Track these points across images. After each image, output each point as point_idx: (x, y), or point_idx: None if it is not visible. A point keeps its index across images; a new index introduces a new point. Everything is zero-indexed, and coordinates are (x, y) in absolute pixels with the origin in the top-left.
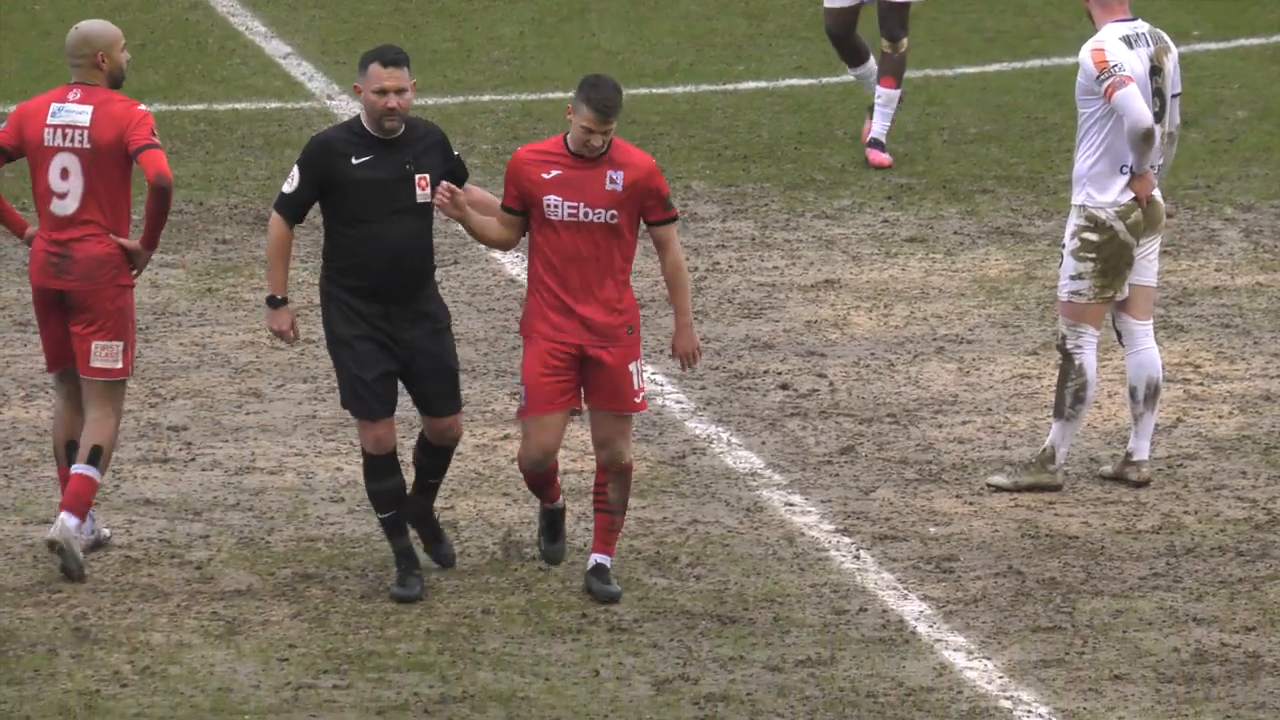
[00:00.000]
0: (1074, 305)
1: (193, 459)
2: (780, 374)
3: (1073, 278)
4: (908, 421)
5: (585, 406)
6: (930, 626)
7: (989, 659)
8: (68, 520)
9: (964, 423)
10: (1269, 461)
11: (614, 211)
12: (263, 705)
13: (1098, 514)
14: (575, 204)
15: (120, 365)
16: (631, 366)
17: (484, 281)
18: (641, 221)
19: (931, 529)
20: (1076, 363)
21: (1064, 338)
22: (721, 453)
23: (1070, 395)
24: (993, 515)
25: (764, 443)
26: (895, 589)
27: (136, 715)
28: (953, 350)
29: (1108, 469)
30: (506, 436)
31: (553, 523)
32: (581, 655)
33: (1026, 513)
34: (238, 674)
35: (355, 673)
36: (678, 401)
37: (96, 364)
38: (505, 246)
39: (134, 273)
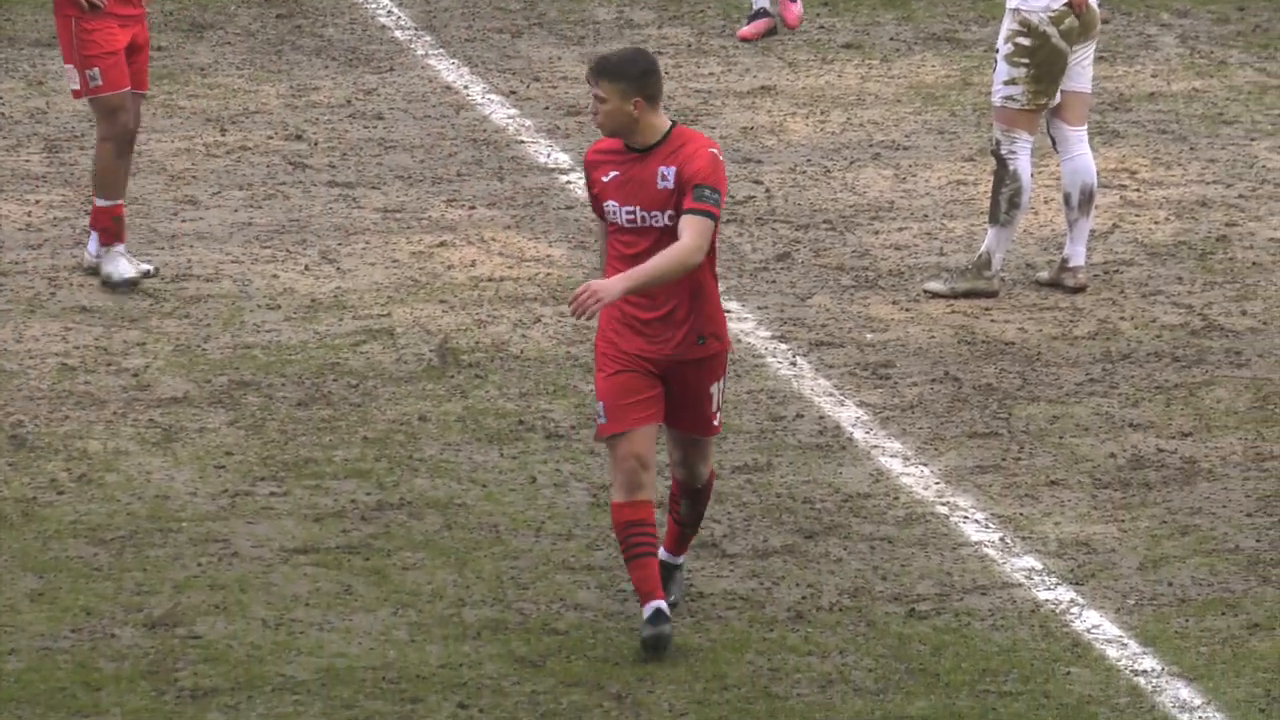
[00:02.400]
0: (1008, 111)
1: None
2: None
3: (1006, 83)
4: (844, 228)
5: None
6: (867, 433)
7: (925, 465)
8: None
9: (900, 229)
10: (1205, 267)
11: (670, 212)
12: (199, 513)
13: (1034, 320)
14: (632, 208)
15: (77, 87)
16: (713, 388)
17: (420, 89)
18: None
19: (868, 335)
20: (1011, 168)
21: (998, 143)
22: None
23: (1005, 201)
24: (929, 321)
25: None
26: (832, 395)
27: (73, 523)
28: (889, 156)
29: (1044, 275)
30: (443, 243)
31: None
32: (519, 462)
33: (963, 319)
34: (175, 481)
35: (292, 480)
36: None
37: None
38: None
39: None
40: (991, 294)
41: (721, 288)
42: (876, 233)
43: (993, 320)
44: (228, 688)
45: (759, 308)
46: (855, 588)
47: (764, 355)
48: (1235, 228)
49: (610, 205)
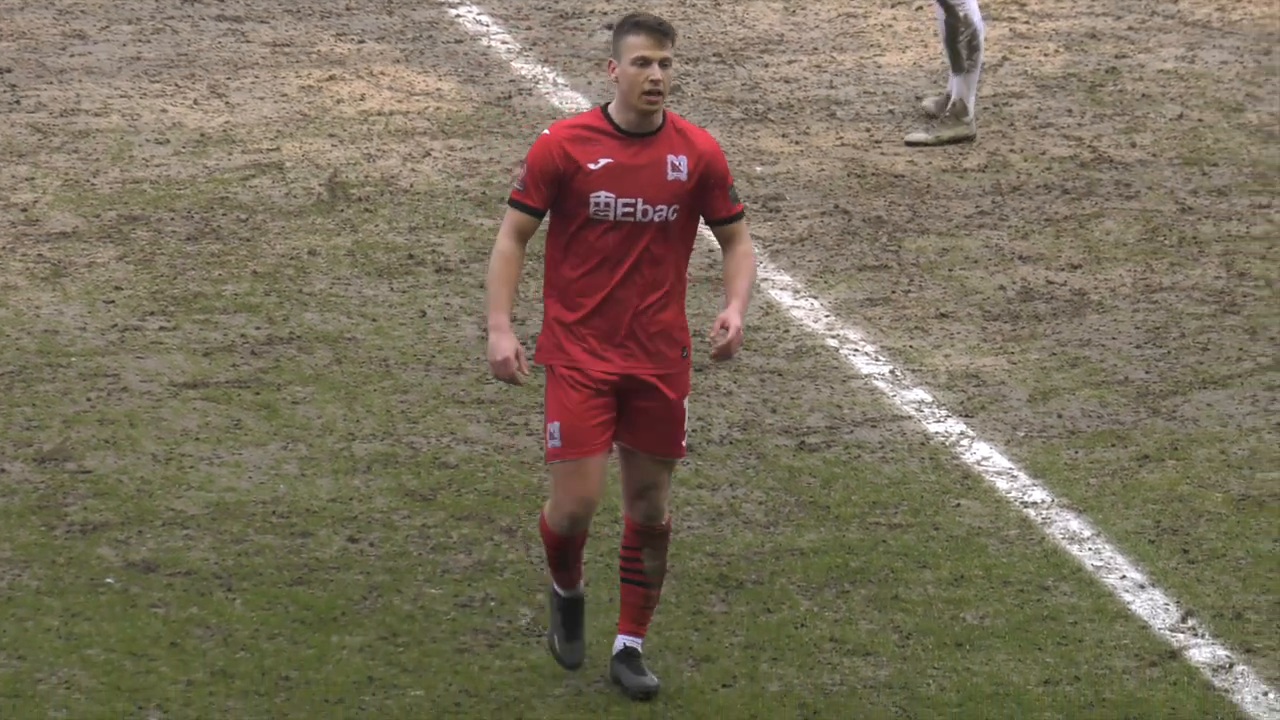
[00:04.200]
0: None
1: (17, 101)
2: (605, 14)
3: None
4: (734, 61)
5: (615, 447)
6: (758, 265)
7: (815, 298)
8: None
9: (790, 62)
10: (1094, 99)
11: (676, 207)
12: (89, 347)
13: (923, 153)
14: (631, 201)
15: None
16: (685, 403)
17: None
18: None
19: (758, 168)
20: (961, 14)
21: None
22: (548, 93)
23: (964, 48)
24: (819, 155)
25: (590, 83)
26: None
27: None
28: None
29: (929, 103)
30: (333, 78)
31: (573, 614)
32: (408, 296)
33: (853, 152)
34: (64, 316)
35: (182, 315)
36: (503, 42)
37: None
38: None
39: None
40: (971, 138)
41: None
42: (766, 65)
43: (882, 153)
44: (118, 522)
45: None
46: (745, 421)
47: None
48: (1125, 60)
49: (601, 197)
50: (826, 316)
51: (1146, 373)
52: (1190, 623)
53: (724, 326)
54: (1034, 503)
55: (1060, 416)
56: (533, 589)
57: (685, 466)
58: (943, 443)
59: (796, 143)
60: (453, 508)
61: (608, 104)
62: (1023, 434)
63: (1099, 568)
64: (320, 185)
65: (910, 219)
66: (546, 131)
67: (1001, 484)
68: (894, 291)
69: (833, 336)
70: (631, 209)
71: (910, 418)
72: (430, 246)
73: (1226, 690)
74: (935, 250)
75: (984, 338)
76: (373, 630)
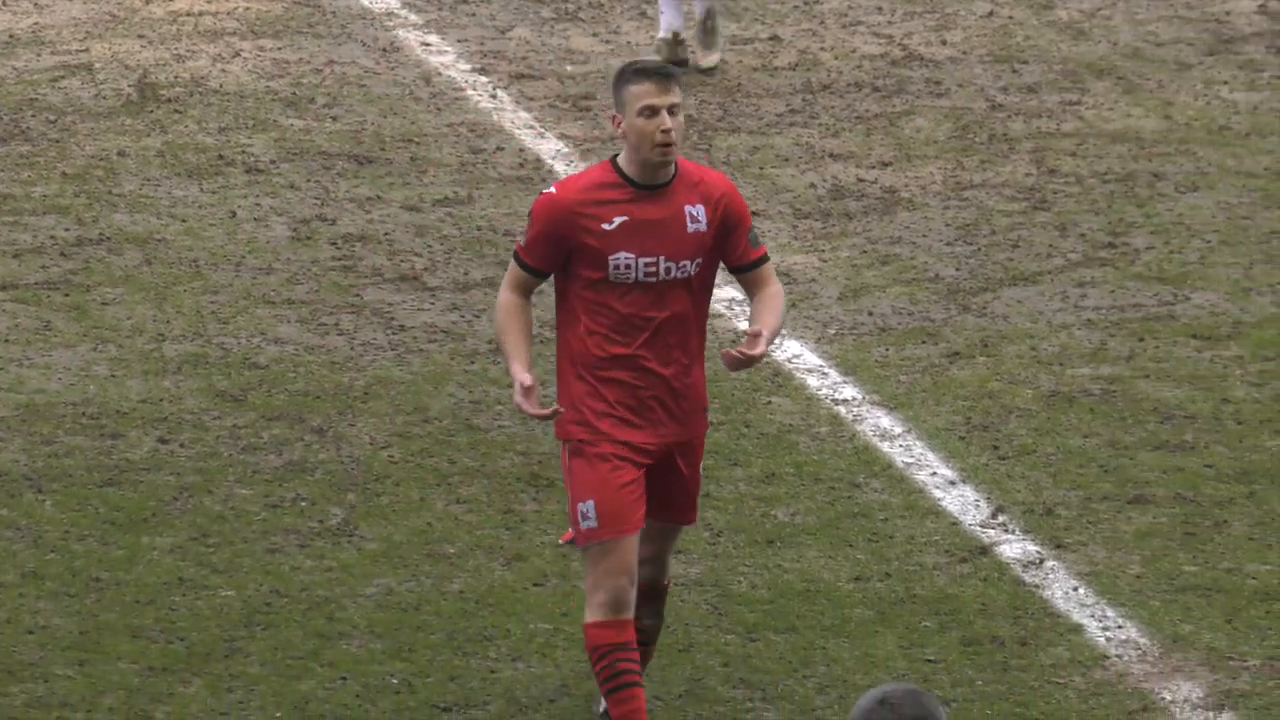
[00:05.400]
0: None
1: None
2: None
3: None
4: None
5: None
6: (567, 165)
7: None
8: None
9: None
10: None
11: (699, 260)
12: None
13: (733, 51)
14: (653, 259)
15: None
16: (701, 467)
17: None
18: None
19: (568, 68)
20: None
21: None
22: None
23: None
24: (629, 53)
25: None
26: (532, 128)
27: None
28: None
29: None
30: None
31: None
32: (219, 197)
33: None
34: None
35: None
36: None
37: None
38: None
39: None
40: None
41: (420, 20)
42: None
43: (693, 51)
44: None
45: (459, 40)
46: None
47: (464, 88)
48: None
49: (621, 259)
50: None
51: (957, 270)
52: (1000, 519)
53: (755, 337)
54: (845, 400)
55: (871, 314)
56: (343, 489)
57: (496, 365)
58: None
59: (607, 41)
60: (263, 408)
61: (616, 155)
62: (833, 331)
63: (910, 464)
64: (130, 86)
65: (721, 117)
66: (553, 190)
67: (812, 381)
68: None
69: None
70: (654, 268)
71: (721, 315)
72: (240, 147)
73: (1037, 585)
74: (746, 149)
75: (795, 235)
76: (183, 531)
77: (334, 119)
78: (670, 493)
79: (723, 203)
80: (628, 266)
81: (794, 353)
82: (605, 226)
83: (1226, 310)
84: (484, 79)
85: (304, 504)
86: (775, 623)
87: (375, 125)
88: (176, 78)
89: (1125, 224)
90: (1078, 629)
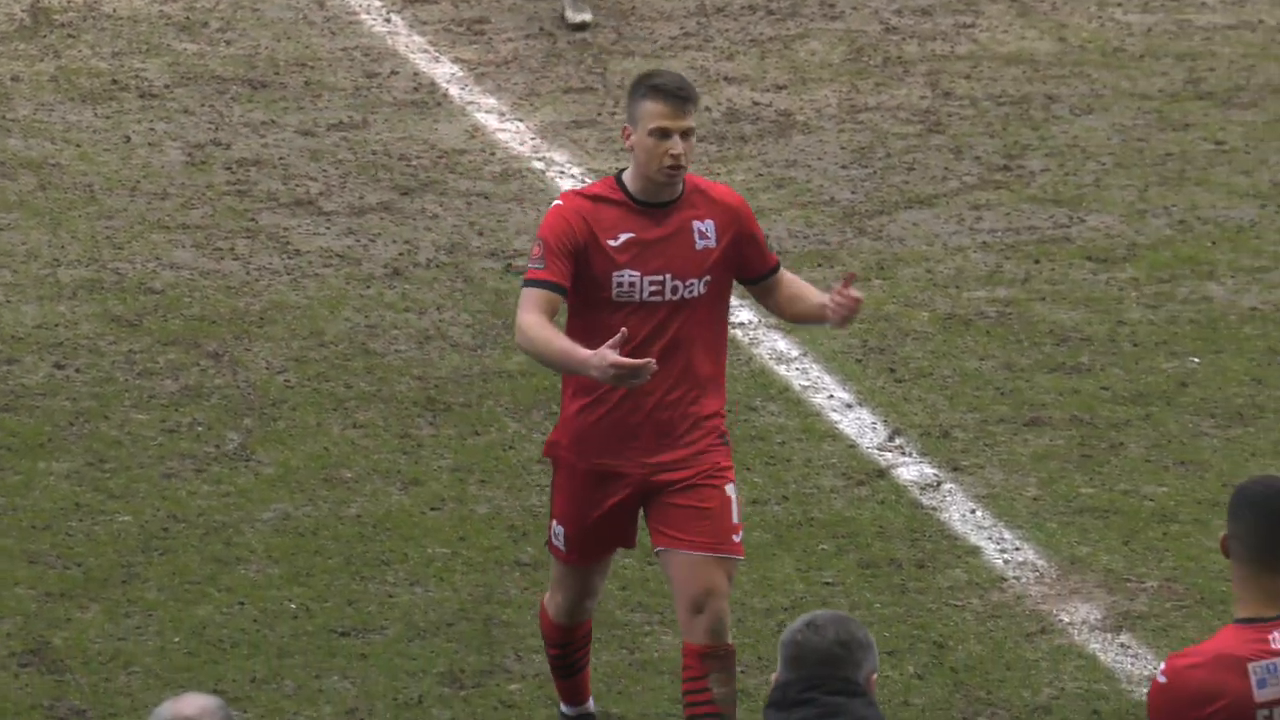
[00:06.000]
0: None
1: None
2: None
3: None
4: None
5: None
6: (462, 89)
7: (521, 120)
8: None
9: None
10: None
11: (707, 279)
12: None
13: None
14: (659, 277)
15: None
16: (729, 490)
17: None
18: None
19: None
20: None
21: None
22: None
23: None
24: None
25: None
26: (426, 52)
27: None
28: None
29: None
30: None
31: None
32: (113, 122)
33: None
34: None
35: None
36: None
37: None
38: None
39: None
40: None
41: None
42: None
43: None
44: None
45: None
46: (452, 243)
47: (358, 12)
48: None
49: (624, 277)
50: (532, 139)
51: (852, 193)
52: (897, 441)
53: (849, 278)
54: (741, 323)
55: (767, 236)
56: (239, 414)
57: (392, 290)
58: None
59: None
60: (159, 333)
61: (621, 171)
62: None
63: (806, 387)
64: (23, 11)
65: (615, 40)
66: (559, 201)
67: None
68: (600, 114)
69: (539, 159)
70: (659, 287)
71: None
72: (134, 72)
73: (934, 508)
74: (640, 72)
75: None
76: (79, 456)
77: (228, 43)
78: (689, 517)
79: (733, 217)
80: (631, 285)
81: None
82: (610, 243)
83: (1121, 232)
84: (378, 3)
85: (200, 429)
86: None
87: (269, 49)
88: (69, 2)
89: (1020, 146)
90: (975, 551)
